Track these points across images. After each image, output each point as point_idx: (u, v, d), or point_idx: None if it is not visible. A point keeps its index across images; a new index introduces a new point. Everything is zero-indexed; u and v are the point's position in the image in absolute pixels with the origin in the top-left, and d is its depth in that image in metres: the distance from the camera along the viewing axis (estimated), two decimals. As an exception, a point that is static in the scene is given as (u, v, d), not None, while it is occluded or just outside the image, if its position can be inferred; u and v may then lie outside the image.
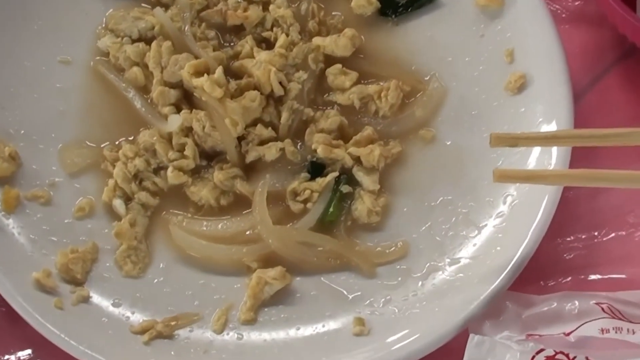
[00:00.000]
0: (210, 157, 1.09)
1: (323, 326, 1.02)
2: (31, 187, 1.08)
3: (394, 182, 1.09)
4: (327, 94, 1.12)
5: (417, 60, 1.13)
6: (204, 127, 1.06)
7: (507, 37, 1.10)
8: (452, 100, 1.11)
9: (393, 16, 1.15)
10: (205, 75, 1.06)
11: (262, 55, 1.09)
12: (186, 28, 1.11)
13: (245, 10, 1.13)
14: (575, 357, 0.91)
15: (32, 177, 1.08)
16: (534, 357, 0.91)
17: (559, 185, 1.00)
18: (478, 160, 1.07)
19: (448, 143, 1.10)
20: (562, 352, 0.91)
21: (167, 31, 1.11)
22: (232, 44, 1.13)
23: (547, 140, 0.97)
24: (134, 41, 1.13)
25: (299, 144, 1.10)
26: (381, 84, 1.11)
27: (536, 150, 1.04)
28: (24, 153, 1.09)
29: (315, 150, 1.07)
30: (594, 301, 0.98)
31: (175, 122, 1.07)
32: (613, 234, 1.08)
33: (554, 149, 1.03)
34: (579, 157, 1.02)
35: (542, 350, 0.91)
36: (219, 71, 1.06)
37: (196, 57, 1.09)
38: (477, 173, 1.07)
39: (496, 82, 1.09)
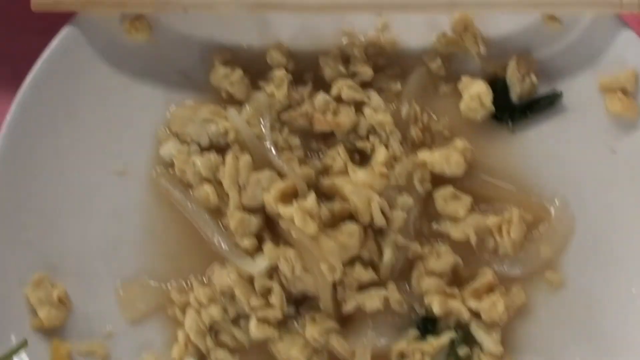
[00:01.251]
0: (298, 301, 0.92)
1: None
2: (84, 338, 0.89)
3: (517, 339, 0.93)
4: (434, 221, 0.94)
5: (538, 179, 0.95)
6: (293, 269, 0.89)
7: (645, 155, 0.93)
8: (581, 234, 0.94)
9: (509, 122, 0.96)
10: (294, 203, 0.88)
11: (359, 175, 0.91)
12: (267, 137, 0.93)
13: (335, 113, 0.95)
14: None
15: (85, 324, 0.90)
16: None
17: None
18: (617, 312, 0.92)
19: (579, 288, 0.93)
20: None
21: (243, 139, 0.93)
22: (319, 152, 0.95)
23: None
24: (203, 149, 0.94)
25: (404, 286, 0.92)
26: (502, 214, 0.93)
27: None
28: (73, 292, 0.90)
29: (425, 298, 0.91)
30: None
31: (261, 265, 0.90)
32: None
33: None
34: None
35: None
36: (311, 199, 0.89)
37: (279, 174, 0.91)
38: (616, 328, 0.91)
39: (635, 212, 0.92)
